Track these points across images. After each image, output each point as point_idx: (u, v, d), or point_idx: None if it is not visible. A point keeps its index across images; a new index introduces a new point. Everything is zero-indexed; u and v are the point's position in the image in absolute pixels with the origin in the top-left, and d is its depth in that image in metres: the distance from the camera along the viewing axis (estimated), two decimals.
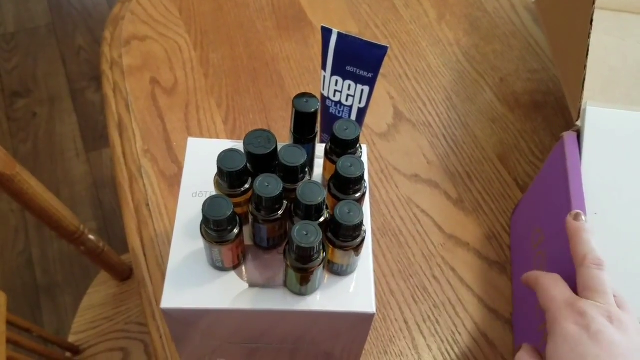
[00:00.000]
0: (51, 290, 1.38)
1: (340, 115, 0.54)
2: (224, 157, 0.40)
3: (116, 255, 0.95)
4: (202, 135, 0.66)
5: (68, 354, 0.88)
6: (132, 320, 0.91)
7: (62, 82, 1.75)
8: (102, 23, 1.93)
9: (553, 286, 0.41)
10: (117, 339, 0.89)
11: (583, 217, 0.43)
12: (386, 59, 0.51)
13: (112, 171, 1.57)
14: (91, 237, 0.88)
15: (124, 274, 0.98)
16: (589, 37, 0.51)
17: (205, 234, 0.40)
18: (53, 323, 1.33)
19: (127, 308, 0.93)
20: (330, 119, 0.55)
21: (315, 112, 0.42)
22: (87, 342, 0.90)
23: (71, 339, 0.91)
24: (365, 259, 0.44)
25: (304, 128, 0.43)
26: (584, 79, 0.51)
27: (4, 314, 0.74)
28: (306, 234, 0.37)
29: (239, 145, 0.44)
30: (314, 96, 0.42)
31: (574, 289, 0.41)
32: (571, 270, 0.43)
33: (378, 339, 0.54)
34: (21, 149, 1.59)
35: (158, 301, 0.54)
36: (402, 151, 0.66)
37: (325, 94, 0.52)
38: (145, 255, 0.57)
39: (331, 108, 0.54)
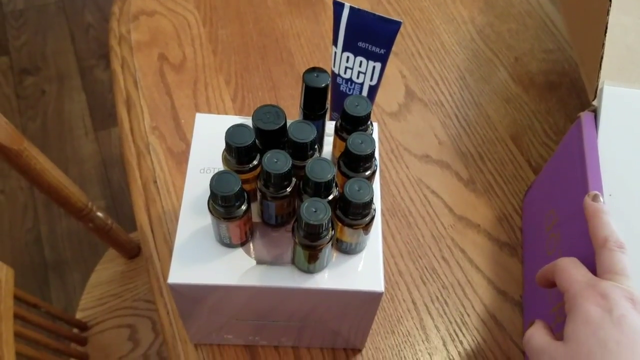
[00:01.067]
0: (59, 267, 1.38)
1: (350, 93, 0.53)
2: (233, 133, 0.39)
3: (124, 233, 0.95)
4: (210, 113, 0.65)
5: (75, 330, 0.89)
6: (140, 297, 0.92)
7: (71, 59, 1.74)
8: (111, 1, 1.92)
9: (572, 267, 0.40)
10: (124, 316, 0.90)
11: (601, 198, 0.42)
12: (398, 36, 0.50)
13: (120, 148, 1.57)
14: (99, 214, 0.87)
15: (132, 251, 0.98)
16: (607, 14, 0.50)
17: (212, 210, 0.39)
18: (61, 300, 1.34)
19: (135, 285, 0.93)
20: (340, 97, 0.54)
21: (326, 87, 0.41)
22: (95, 319, 0.90)
23: (79, 315, 0.92)
24: (374, 238, 0.43)
25: (314, 104, 0.42)
26: (602, 58, 0.50)
27: (12, 289, 0.74)
28: (315, 211, 0.37)
29: (247, 121, 0.43)
30: (324, 71, 0.41)
31: (592, 271, 0.40)
32: (587, 251, 0.42)
33: (385, 319, 0.53)
34: (30, 127, 1.59)
35: (165, 277, 0.54)
36: (413, 131, 0.65)
37: (336, 71, 0.51)
38: (152, 232, 0.57)
39: (342, 85, 0.53)
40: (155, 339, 0.87)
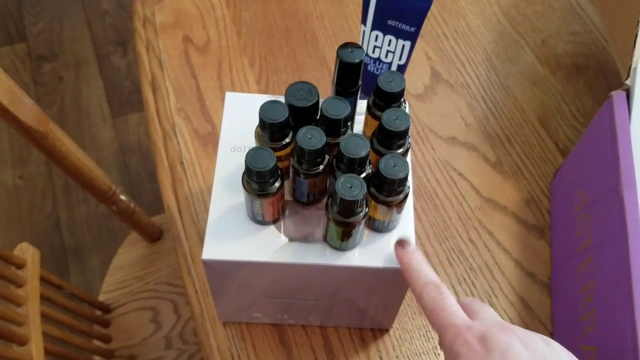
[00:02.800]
0: (78, 252, 1.40)
1: (378, 73, 0.53)
2: (267, 109, 0.39)
3: (146, 216, 0.96)
4: None
5: (98, 312, 0.90)
6: (162, 280, 0.92)
7: (88, 46, 1.75)
8: None
9: (449, 305, 0.37)
10: (146, 299, 0.91)
11: (408, 243, 0.41)
12: None
13: (143, 129, 1.57)
14: (122, 197, 0.88)
15: (154, 235, 0.99)
16: None
17: (247, 186, 0.39)
18: (80, 285, 1.35)
19: (157, 268, 0.94)
20: (368, 77, 0.53)
21: (360, 63, 0.41)
22: (117, 301, 0.91)
23: (101, 297, 0.92)
24: (407, 216, 0.43)
25: (347, 80, 0.42)
26: (636, 36, 0.49)
27: (38, 270, 0.75)
28: (350, 187, 0.37)
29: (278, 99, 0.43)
30: (359, 46, 0.41)
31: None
32: (617, 230, 0.42)
33: (413, 300, 0.53)
34: (48, 113, 1.58)
35: (193, 257, 0.54)
36: (439, 113, 0.65)
37: (364, 51, 0.51)
38: (180, 212, 0.57)
39: (369, 65, 0.53)
40: (177, 321, 0.88)
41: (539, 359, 0.33)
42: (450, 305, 0.37)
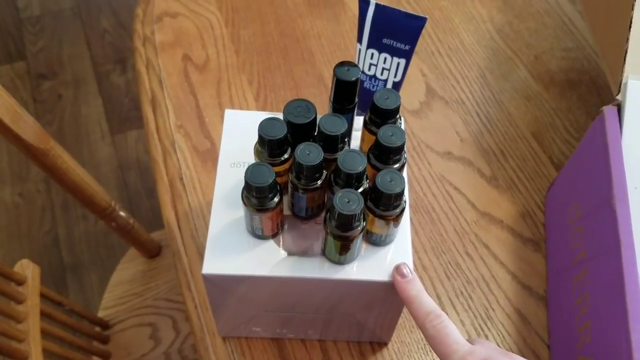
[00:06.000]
0: (77, 269, 1.40)
1: (374, 90, 0.54)
2: (266, 125, 0.40)
3: (145, 233, 0.96)
4: None
5: (98, 329, 0.90)
6: (161, 296, 0.92)
7: (87, 64, 1.76)
8: (127, 6, 1.95)
9: (450, 332, 0.38)
10: (145, 315, 0.91)
11: (406, 270, 0.41)
12: None
13: (142, 146, 1.58)
14: (122, 213, 0.89)
15: (153, 251, 0.99)
16: (632, 9, 0.50)
17: (246, 201, 0.40)
18: (79, 302, 1.35)
19: (156, 284, 0.94)
20: (364, 94, 0.54)
21: (357, 81, 0.42)
22: (116, 317, 0.91)
23: (100, 314, 0.93)
24: (404, 230, 0.44)
25: (344, 97, 0.43)
26: (626, 52, 0.50)
27: (38, 287, 0.75)
28: (348, 202, 0.37)
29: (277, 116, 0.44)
30: (355, 65, 0.42)
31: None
32: (611, 243, 0.43)
33: None
34: (47, 131, 1.59)
35: (193, 272, 0.55)
36: (434, 128, 0.66)
37: (360, 68, 0.52)
38: (179, 228, 0.58)
39: (365, 82, 0.54)
40: (176, 337, 0.88)
41: None
42: (453, 332, 0.38)
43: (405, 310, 0.53)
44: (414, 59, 0.70)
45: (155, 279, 0.95)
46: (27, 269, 0.75)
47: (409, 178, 0.62)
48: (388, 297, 0.44)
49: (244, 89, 0.68)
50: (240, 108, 0.66)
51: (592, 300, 0.46)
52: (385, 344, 0.52)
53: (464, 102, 0.68)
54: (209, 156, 0.62)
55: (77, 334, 0.82)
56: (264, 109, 0.67)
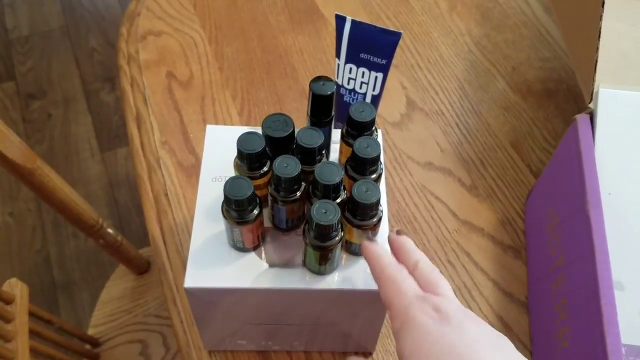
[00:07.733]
0: (68, 287, 1.40)
1: (354, 103, 0.55)
2: (244, 140, 0.41)
3: (134, 249, 0.97)
4: None
5: (88, 346, 0.90)
6: (150, 312, 0.93)
7: (76, 83, 1.77)
8: (115, 25, 1.96)
9: (400, 279, 0.37)
10: (135, 331, 0.91)
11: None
12: (398, 49, 0.52)
13: (131, 162, 1.59)
14: (110, 230, 0.89)
15: (142, 267, 0.99)
16: (600, 20, 0.52)
17: (226, 214, 0.41)
18: (70, 320, 1.34)
19: (145, 301, 0.95)
20: (344, 107, 0.55)
21: (332, 95, 0.43)
22: (106, 335, 0.91)
23: (90, 331, 0.93)
24: (383, 239, 0.45)
25: (320, 111, 0.44)
26: (597, 62, 0.52)
27: (27, 305, 0.75)
28: (325, 212, 0.38)
29: (256, 131, 0.45)
30: (330, 79, 0.43)
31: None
32: (587, 249, 0.44)
33: None
34: (37, 150, 1.62)
35: (178, 287, 0.56)
36: (415, 139, 0.67)
37: (340, 82, 0.53)
38: (165, 242, 0.58)
39: (345, 96, 0.55)
40: (166, 353, 0.88)
41: (494, 346, 0.33)
42: (408, 278, 0.37)
43: (386, 320, 0.54)
44: (395, 72, 0.72)
45: (144, 295, 0.95)
46: (16, 287, 0.76)
47: (391, 188, 0.63)
48: (369, 306, 0.45)
49: (227, 104, 0.69)
50: (225, 123, 0.67)
51: (570, 306, 0.47)
52: (370, 354, 0.53)
53: (444, 114, 0.69)
54: (194, 171, 0.63)
55: (67, 352, 0.82)
56: (247, 123, 0.68)
